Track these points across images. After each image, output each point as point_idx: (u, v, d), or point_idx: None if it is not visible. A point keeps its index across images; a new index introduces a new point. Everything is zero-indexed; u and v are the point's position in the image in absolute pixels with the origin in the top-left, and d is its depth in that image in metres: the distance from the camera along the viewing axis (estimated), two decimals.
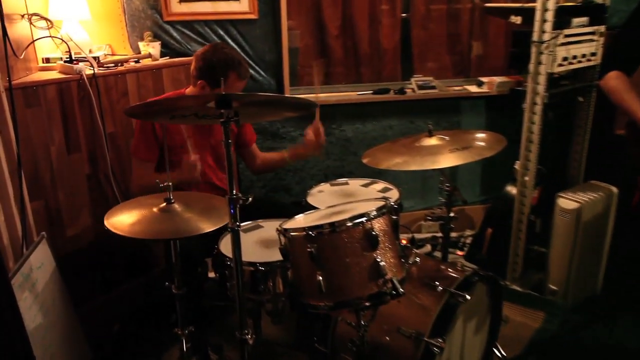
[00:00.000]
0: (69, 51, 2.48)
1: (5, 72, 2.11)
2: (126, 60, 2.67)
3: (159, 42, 2.83)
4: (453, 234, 3.42)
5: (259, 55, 3.11)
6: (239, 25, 3.02)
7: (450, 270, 1.93)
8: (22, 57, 2.31)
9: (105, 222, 1.77)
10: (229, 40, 3.02)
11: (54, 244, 2.34)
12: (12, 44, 2.19)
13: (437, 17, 3.61)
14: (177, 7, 2.88)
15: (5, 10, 2.12)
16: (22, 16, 2.39)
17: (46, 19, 2.48)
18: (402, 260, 1.63)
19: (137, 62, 2.69)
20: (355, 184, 2.47)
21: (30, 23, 2.43)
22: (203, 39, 2.97)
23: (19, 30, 2.36)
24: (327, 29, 3.43)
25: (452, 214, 2.26)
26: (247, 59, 3.05)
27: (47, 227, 2.37)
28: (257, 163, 2.66)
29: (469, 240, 3.37)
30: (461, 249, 3.33)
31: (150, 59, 2.75)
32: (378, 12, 3.49)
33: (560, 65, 2.61)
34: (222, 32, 3.00)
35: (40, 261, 2.15)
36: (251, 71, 3.09)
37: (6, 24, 2.13)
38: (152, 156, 2.32)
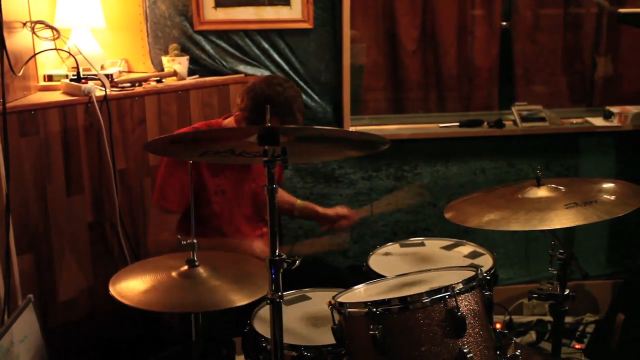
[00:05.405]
0: (77, 67, 2.65)
1: None
2: (145, 80, 2.83)
3: (187, 57, 2.98)
4: (568, 319, 3.34)
5: (313, 75, 3.22)
6: (288, 37, 3.15)
7: None
8: (20, 74, 2.48)
9: (111, 289, 1.84)
10: (275, 55, 3.14)
11: (43, 311, 2.45)
12: (9, 59, 2.36)
13: (550, 27, 3.62)
14: (211, 14, 3.04)
15: (5, 17, 2.31)
16: (24, 24, 2.59)
17: (52, 28, 2.67)
18: (497, 352, 1.61)
19: (159, 81, 2.85)
20: (433, 245, 2.47)
21: (33, 33, 2.62)
22: (242, 53, 3.11)
23: (19, 41, 2.54)
24: (401, 42, 3.51)
25: (567, 292, 2.22)
26: (297, 79, 3.17)
27: (36, 288, 2.48)
28: None
29: (590, 329, 3.28)
30: (579, 341, 3.24)
31: (175, 77, 2.91)
32: (469, 20, 3.54)
33: None
34: (266, 45, 3.13)
35: (24, 333, 2.24)
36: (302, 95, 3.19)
37: (5, 34, 2.31)
38: (179, 207, 2.38)
